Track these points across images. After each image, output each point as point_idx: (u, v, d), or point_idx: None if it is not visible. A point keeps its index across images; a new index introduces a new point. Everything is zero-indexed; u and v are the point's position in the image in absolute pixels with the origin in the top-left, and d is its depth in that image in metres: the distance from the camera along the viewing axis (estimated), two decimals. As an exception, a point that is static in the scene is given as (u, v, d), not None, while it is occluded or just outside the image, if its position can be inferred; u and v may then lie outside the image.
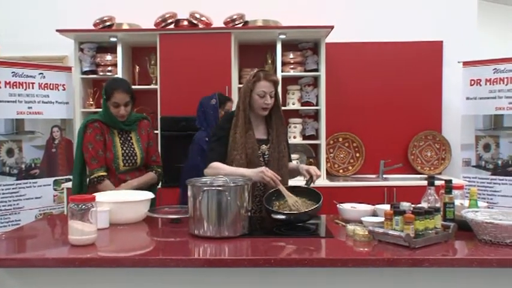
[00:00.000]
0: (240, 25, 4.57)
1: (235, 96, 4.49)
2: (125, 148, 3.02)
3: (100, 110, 3.17)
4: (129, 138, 3.07)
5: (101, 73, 4.70)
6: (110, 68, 4.71)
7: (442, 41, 4.95)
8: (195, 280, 2.06)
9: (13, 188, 4.43)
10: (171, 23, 4.63)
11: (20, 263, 1.97)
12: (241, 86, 4.66)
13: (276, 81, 2.76)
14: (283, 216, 2.46)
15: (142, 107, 4.58)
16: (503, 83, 4.46)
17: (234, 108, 3.30)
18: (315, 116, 4.90)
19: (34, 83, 4.55)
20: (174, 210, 2.70)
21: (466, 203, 2.53)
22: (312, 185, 2.69)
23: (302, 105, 4.77)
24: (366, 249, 2.08)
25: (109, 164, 2.98)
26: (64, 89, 4.74)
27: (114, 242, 2.30)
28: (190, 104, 4.40)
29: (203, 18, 4.59)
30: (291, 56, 4.71)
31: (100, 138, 2.96)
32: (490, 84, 4.54)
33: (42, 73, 4.61)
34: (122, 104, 2.95)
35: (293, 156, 4.66)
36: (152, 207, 2.75)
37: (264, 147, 2.79)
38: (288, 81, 4.76)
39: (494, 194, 4.50)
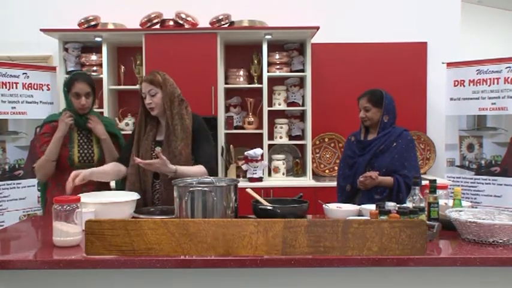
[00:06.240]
0: (226, 25, 4.56)
1: (220, 97, 4.49)
2: (82, 144, 3.05)
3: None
4: (89, 135, 3.09)
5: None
6: (95, 68, 4.68)
7: (426, 42, 4.99)
8: (181, 281, 2.06)
9: (-4, 189, 4.38)
10: (157, 23, 4.60)
11: (4, 265, 1.94)
12: (227, 86, 4.69)
13: (148, 78, 2.80)
14: (270, 207, 2.46)
15: (128, 107, 4.55)
16: (486, 84, 4.51)
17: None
18: (301, 116, 4.92)
19: (18, 82, 4.49)
20: (160, 210, 2.69)
21: (450, 202, 2.55)
22: None
23: (288, 106, 4.78)
24: (351, 248, 2.09)
25: (63, 159, 2.99)
26: (48, 89, 4.69)
27: (99, 243, 2.28)
28: (176, 104, 4.40)
29: (189, 19, 4.57)
30: (277, 56, 4.71)
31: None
32: (474, 85, 4.59)
33: (26, 73, 4.55)
34: (83, 94, 2.98)
35: (279, 156, 4.70)
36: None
37: (158, 148, 2.76)
38: (274, 81, 4.76)
39: (478, 193, 4.55)
